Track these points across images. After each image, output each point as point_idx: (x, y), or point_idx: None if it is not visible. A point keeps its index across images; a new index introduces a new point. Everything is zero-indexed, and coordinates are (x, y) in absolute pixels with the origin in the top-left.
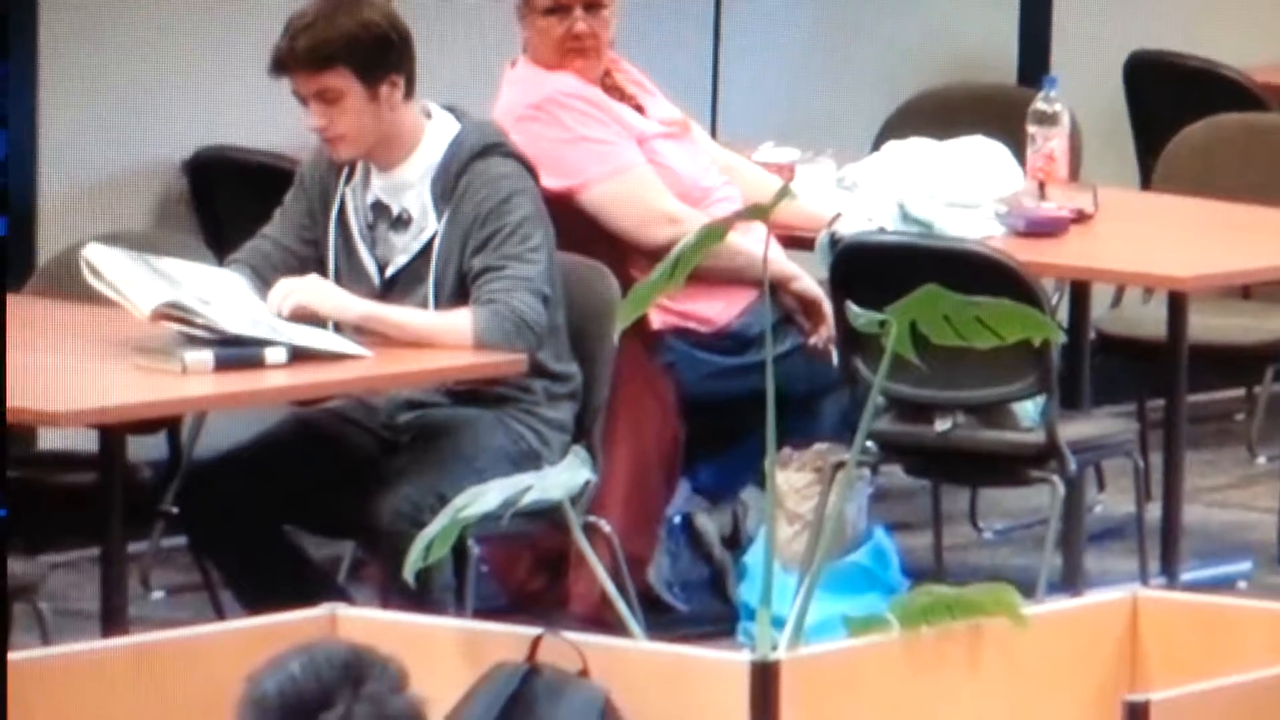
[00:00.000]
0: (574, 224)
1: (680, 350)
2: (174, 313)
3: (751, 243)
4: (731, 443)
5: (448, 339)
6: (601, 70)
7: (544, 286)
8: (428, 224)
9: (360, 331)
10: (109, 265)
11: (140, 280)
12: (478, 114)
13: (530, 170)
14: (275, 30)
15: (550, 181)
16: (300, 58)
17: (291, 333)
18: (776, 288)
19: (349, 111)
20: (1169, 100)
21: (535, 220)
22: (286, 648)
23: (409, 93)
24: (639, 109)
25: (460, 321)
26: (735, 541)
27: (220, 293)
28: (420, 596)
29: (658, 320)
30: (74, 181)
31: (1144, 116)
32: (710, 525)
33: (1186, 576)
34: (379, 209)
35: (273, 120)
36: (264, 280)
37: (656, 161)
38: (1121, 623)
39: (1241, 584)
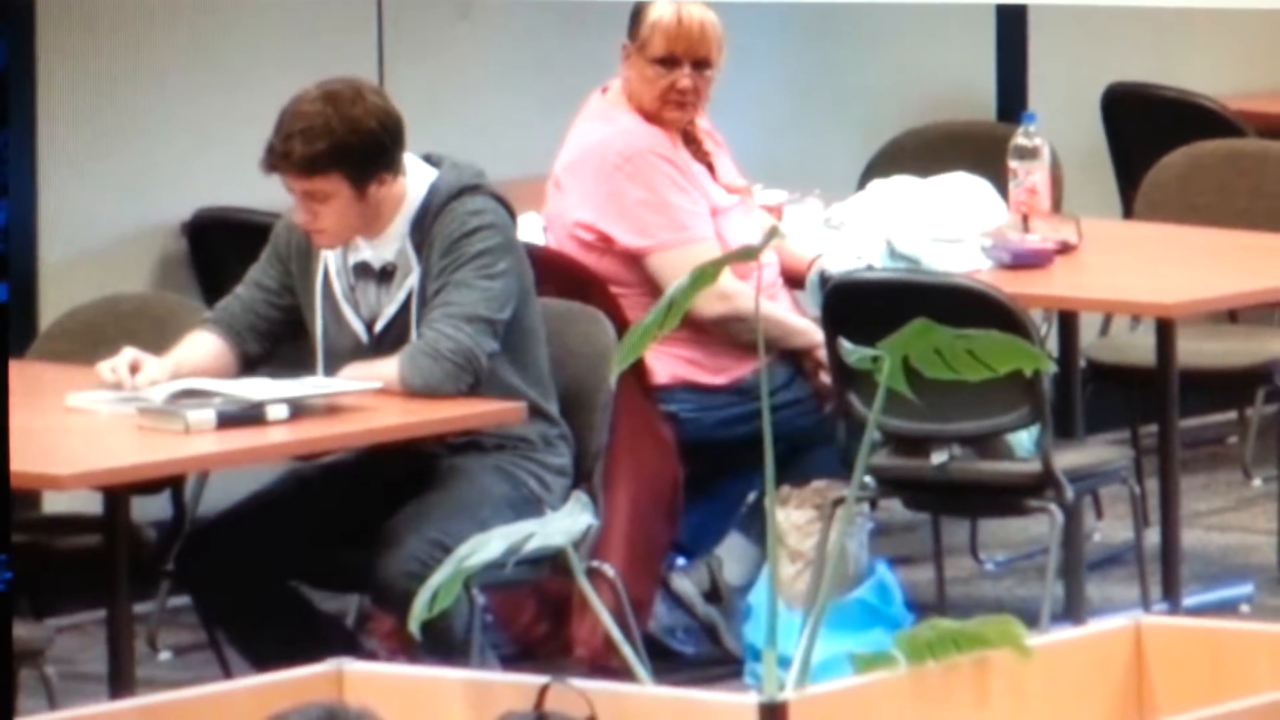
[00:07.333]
0: (569, 271)
1: (689, 399)
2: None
3: (781, 310)
4: (705, 495)
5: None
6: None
7: (482, 310)
8: (411, 270)
9: None
10: (96, 400)
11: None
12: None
13: (509, 210)
14: (274, 91)
15: (624, 237)
16: (292, 163)
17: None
18: (805, 352)
19: (335, 211)
20: (1146, 131)
21: (499, 252)
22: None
23: (396, 175)
24: (710, 168)
25: (385, 371)
26: (716, 595)
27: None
28: (438, 644)
29: (665, 374)
30: (74, 246)
31: (1122, 147)
32: (688, 586)
33: (1189, 601)
34: (360, 269)
35: (270, 180)
36: (235, 334)
37: (721, 234)
38: (1126, 650)
39: (1244, 607)
